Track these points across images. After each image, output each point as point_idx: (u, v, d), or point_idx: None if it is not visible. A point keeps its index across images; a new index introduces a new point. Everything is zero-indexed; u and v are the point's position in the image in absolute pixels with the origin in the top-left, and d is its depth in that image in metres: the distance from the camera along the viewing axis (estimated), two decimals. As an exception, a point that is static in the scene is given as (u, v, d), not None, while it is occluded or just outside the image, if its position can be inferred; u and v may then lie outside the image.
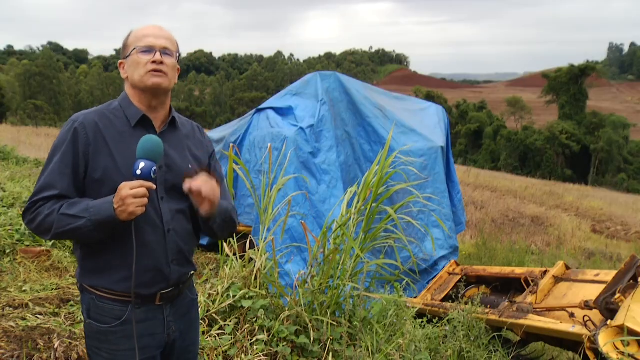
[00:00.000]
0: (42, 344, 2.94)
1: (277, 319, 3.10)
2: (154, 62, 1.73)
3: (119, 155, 1.72)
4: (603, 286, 3.51)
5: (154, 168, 1.64)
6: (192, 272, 1.91)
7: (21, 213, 5.12)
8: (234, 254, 3.59)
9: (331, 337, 3.05)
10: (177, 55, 1.83)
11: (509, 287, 4.86)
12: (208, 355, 2.90)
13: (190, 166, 1.84)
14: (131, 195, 1.58)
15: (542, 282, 4.22)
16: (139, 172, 1.61)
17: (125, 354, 1.74)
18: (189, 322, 1.94)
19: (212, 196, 1.70)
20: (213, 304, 3.22)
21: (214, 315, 3.18)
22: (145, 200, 1.62)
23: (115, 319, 1.73)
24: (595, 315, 3.40)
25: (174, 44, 1.82)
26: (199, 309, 3.13)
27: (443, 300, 5.12)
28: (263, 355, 2.93)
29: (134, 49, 1.74)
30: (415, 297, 5.32)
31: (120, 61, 1.82)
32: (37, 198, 1.69)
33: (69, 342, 2.99)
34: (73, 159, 1.70)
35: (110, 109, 1.80)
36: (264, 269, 3.41)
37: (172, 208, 1.79)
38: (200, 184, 1.68)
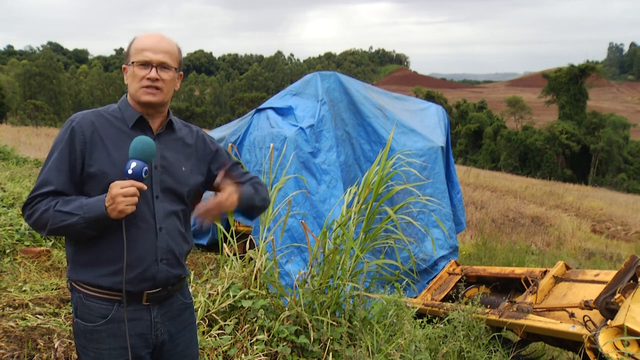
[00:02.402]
0: (42, 344, 2.94)
1: (277, 319, 3.10)
2: (148, 78, 1.78)
3: (115, 151, 1.76)
4: (603, 286, 3.51)
5: (145, 168, 1.68)
6: (183, 276, 1.91)
7: (21, 213, 5.14)
8: (234, 254, 3.59)
9: (331, 337, 3.05)
10: (179, 65, 1.86)
11: (509, 287, 4.85)
12: (208, 355, 2.90)
13: (183, 168, 1.88)
14: (121, 194, 1.63)
15: (542, 282, 4.21)
16: (130, 171, 1.66)
17: (111, 353, 1.77)
18: (180, 325, 1.93)
19: (217, 210, 1.83)
20: (213, 304, 3.22)
21: (214, 315, 3.17)
22: (136, 199, 1.66)
23: (101, 317, 1.76)
24: (595, 315, 3.40)
25: (173, 56, 1.84)
26: (199, 310, 3.15)
27: (443, 300, 5.11)
28: (263, 355, 2.93)
29: (132, 62, 1.79)
30: (415, 297, 5.32)
31: (123, 66, 1.87)
32: (35, 194, 1.74)
33: (69, 342, 2.99)
34: (70, 156, 1.74)
35: (109, 111, 1.86)
36: (264, 269, 3.41)
37: (166, 208, 1.83)
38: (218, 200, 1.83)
